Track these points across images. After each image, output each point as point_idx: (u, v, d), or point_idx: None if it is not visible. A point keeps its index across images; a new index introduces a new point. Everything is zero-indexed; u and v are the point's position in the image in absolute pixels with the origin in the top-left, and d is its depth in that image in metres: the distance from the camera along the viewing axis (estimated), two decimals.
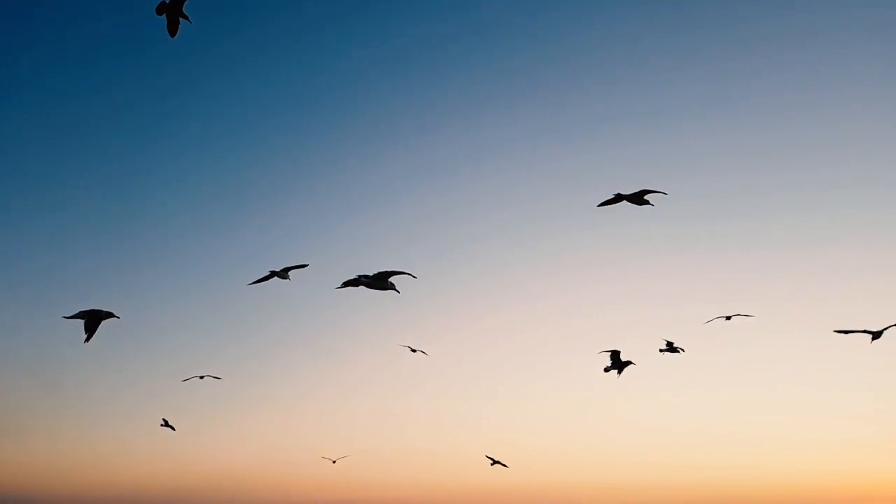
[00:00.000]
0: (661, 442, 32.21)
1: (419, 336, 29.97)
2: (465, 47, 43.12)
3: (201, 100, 43.94)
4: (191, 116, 43.86)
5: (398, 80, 43.56)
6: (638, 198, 10.31)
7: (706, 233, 37.94)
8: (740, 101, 40.22)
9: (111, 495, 29.95)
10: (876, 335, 10.58)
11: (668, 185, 10.16)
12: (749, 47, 40.12)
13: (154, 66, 42.09)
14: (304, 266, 10.56)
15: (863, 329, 10.69)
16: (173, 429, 19.15)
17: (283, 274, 10.66)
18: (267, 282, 10.79)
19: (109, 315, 9.57)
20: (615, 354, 12.94)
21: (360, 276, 9.14)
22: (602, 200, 10.60)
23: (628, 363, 12.92)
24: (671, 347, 13.86)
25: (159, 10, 8.23)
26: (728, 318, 14.50)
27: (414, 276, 9.09)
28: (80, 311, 9.47)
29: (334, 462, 23.42)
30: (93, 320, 9.49)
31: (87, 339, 9.56)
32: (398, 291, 9.36)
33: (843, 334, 10.90)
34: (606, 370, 13.02)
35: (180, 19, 8.32)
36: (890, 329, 10.65)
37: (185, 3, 8.22)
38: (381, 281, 9.14)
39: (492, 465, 18.89)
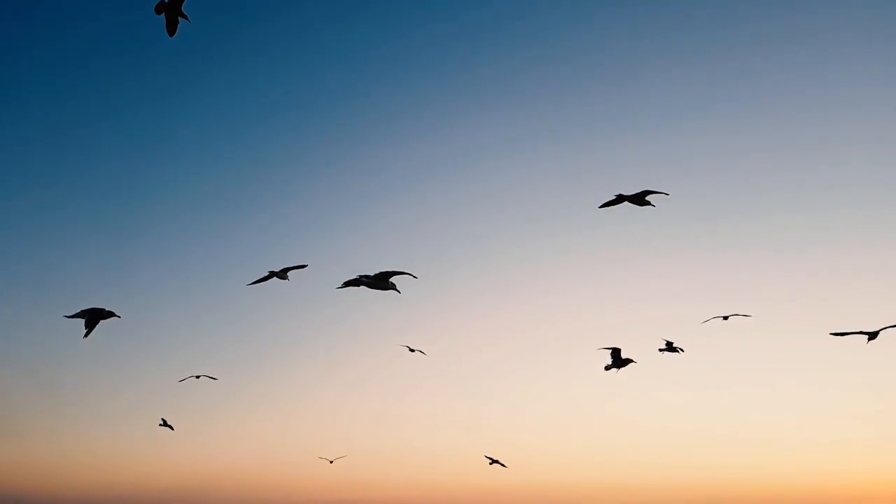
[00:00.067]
0: (661, 442, 32.26)
1: (419, 336, 29.95)
2: (466, 48, 43.20)
3: (201, 100, 43.98)
4: (190, 116, 43.91)
5: (398, 80, 43.64)
6: (639, 198, 10.27)
7: (706, 233, 38.01)
8: (740, 102, 40.29)
9: (111, 495, 29.95)
10: (872, 336, 10.57)
11: (667, 186, 10.16)
12: (748, 48, 40.18)
13: (154, 66, 42.13)
14: (303, 266, 10.55)
15: (858, 330, 10.67)
16: (172, 428, 19.20)
17: (283, 274, 10.65)
18: (266, 282, 10.78)
19: (111, 314, 9.58)
20: (615, 352, 12.91)
21: (361, 276, 9.14)
22: (604, 202, 10.57)
23: (629, 361, 12.90)
24: (670, 347, 13.86)
25: (158, 10, 8.19)
26: (725, 318, 14.55)
27: (415, 277, 9.09)
28: (82, 310, 9.47)
29: (331, 462, 23.40)
30: (94, 319, 9.49)
31: (86, 335, 9.57)
32: (399, 291, 9.37)
33: (839, 336, 10.88)
34: (607, 368, 12.99)
35: (179, 19, 8.27)
36: (887, 329, 10.63)
37: (184, 2, 8.18)
38: (381, 281, 9.14)
39: (490, 464, 18.88)
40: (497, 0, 42.15)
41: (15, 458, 31.25)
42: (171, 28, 8.32)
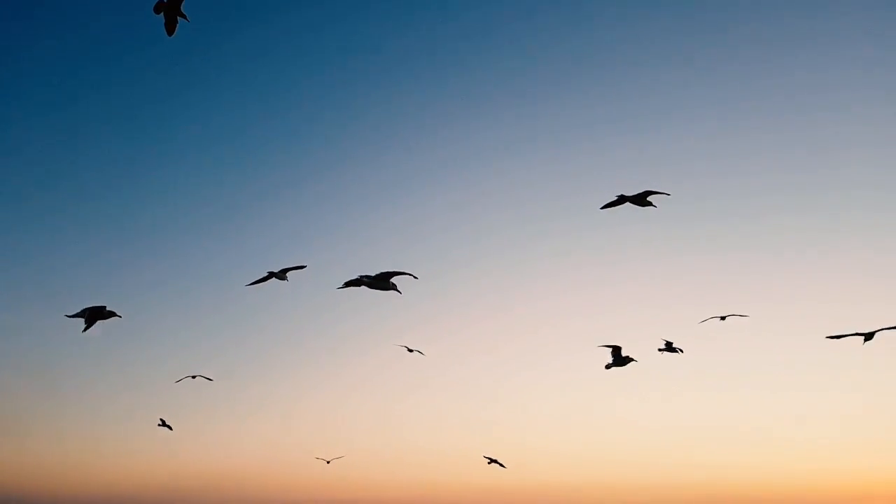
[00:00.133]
0: (661, 442, 32.27)
1: (419, 336, 29.94)
2: (466, 49, 43.17)
3: (201, 101, 43.94)
4: (191, 117, 43.89)
5: (398, 82, 43.60)
6: (641, 199, 10.22)
7: (706, 235, 38.04)
8: (740, 104, 40.33)
9: (111, 495, 29.92)
10: (868, 336, 10.56)
11: (668, 187, 10.14)
12: (746, 50, 40.19)
13: (154, 66, 42.10)
14: (302, 267, 10.53)
15: (854, 332, 10.66)
16: (170, 428, 19.19)
17: (282, 275, 10.63)
18: (265, 283, 10.75)
19: (112, 314, 9.56)
20: (616, 350, 12.87)
21: (361, 277, 9.13)
22: (605, 203, 10.52)
23: (629, 360, 12.87)
24: (670, 348, 13.83)
25: (157, 9, 8.15)
26: (723, 318, 14.59)
27: (415, 277, 9.07)
28: (83, 309, 9.44)
29: (328, 462, 23.35)
30: (95, 317, 9.47)
31: (85, 330, 9.55)
32: (400, 292, 9.36)
33: (835, 339, 10.86)
34: (608, 367, 12.96)
35: (178, 18, 8.23)
36: (883, 331, 10.61)
37: (183, 2, 8.14)
38: (382, 281, 9.13)
39: (489, 463, 18.83)
40: (497, 2, 42.15)
41: (16, 458, 31.25)
42: (170, 28, 8.28)
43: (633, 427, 32.78)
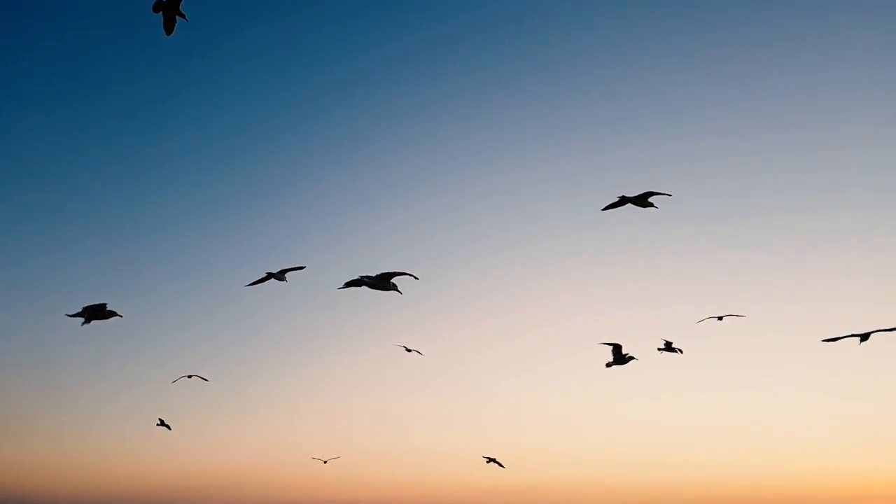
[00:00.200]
0: (661, 442, 32.27)
1: (418, 336, 29.83)
2: (466, 48, 43.08)
3: (201, 100, 43.84)
4: (191, 117, 43.80)
5: (398, 82, 43.53)
6: (642, 200, 10.18)
7: (706, 234, 38.02)
8: (741, 105, 40.32)
9: (111, 495, 29.86)
10: (863, 337, 10.54)
11: (667, 187, 10.11)
12: (746, 50, 40.18)
13: (154, 66, 42.03)
14: (301, 268, 10.55)
15: (850, 334, 10.65)
16: (169, 428, 19.23)
17: (280, 276, 10.63)
18: (264, 284, 10.75)
19: (113, 314, 9.55)
20: (617, 349, 12.86)
21: (362, 277, 9.13)
22: (606, 204, 10.47)
23: (630, 358, 12.85)
24: (669, 348, 13.82)
25: (156, 8, 8.11)
26: (720, 318, 14.63)
27: (416, 278, 9.06)
28: (84, 308, 9.42)
29: (325, 462, 23.34)
30: (95, 316, 9.46)
31: (84, 324, 9.53)
32: (400, 292, 9.36)
33: (831, 342, 10.85)
34: (608, 365, 12.95)
35: (177, 18, 8.19)
36: (879, 332, 10.59)
37: (182, 1, 8.10)
38: (383, 282, 9.13)
39: (487, 462, 18.81)
40: (497, 1, 42.10)
41: (16, 458, 31.20)
42: (169, 27, 8.25)
43: (633, 427, 32.81)
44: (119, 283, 37.13)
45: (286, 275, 10.62)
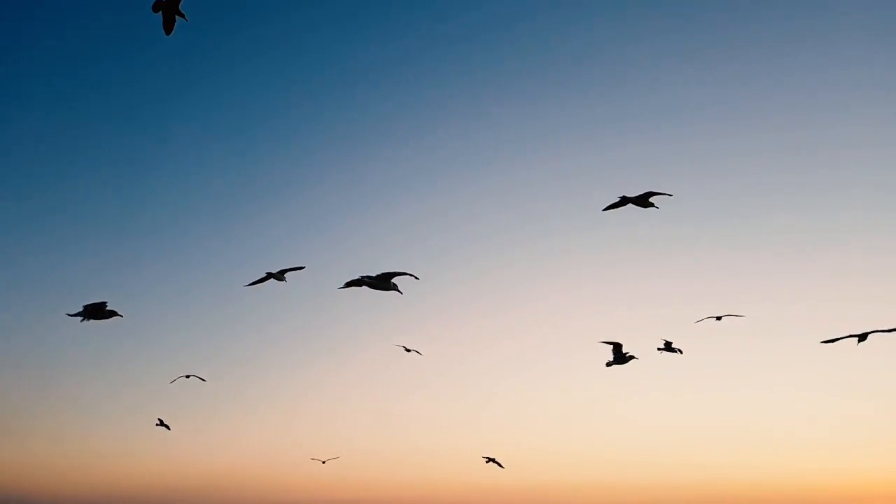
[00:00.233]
0: (661, 442, 32.27)
1: (418, 336, 29.82)
2: (466, 48, 43.12)
3: (201, 100, 43.87)
4: (190, 117, 43.83)
5: (398, 81, 43.56)
6: (643, 200, 10.16)
7: (706, 234, 38.04)
8: (741, 105, 40.35)
9: (110, 495, 29.87)
10: (861, 338, 10.53)
11: (667, 187, 10.09)
12: (747, 49, 40.17)
13: (154, 66, 42.06)
14: (300, 268, 10.58)
15: (847, 334, 10.64)
16: (168, 428, 19.22)
17: (280, 276, 10.65)
18: (263, 284, 10.76)
19: (113, 313, 9.55)
20: (617, 348, 12.84)
21: (363, 277, 9.13)
22: (607, 205, 10.44)
23: (631, 357, 12.84)
24: (669, 348, 13.81)
25: (155, 8, 8.09)
26: (718, 318, 14.63)
27: (416, 278, 9.05)
28: (84, 306, 9.41)
29: (324, 463, 23.33)
30: (95, 314, 9.45)
31: (82, 321, 9.51)
32: (401, 292, 9.36)
33: (830, 343, 10.84)
34: (609, 364, 12.94)
35: (176, 17, 8.16)
36: (876, 333, 10.57)
37: (182, 1, 8.07)
38: (384, 282, 9.13)
39: (486, 462, 18.79)
40: (497, 1, 42.08)
41: (15, 458, 31.19)
42: (168, 27, 8.22)
43: (633, 427, 32.84)
44: (119, 283, 37.19)
45: (286, 275, 10.63)
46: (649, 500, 30.24)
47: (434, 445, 33.25)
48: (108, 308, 9.47)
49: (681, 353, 13.85)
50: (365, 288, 9.29)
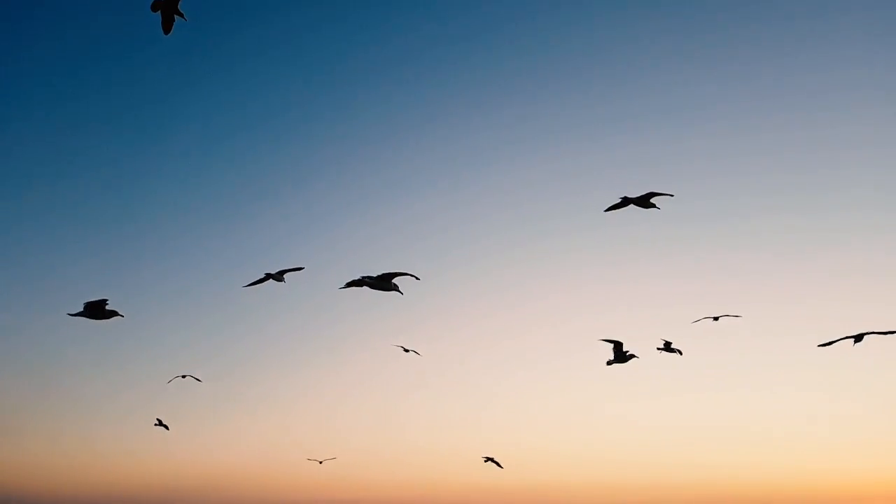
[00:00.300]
0: (661, 442, 32.27)
1: (417, 336, 29.77)
2: (466, 48, 43.05)
3: (201, 100, 43.79)
4: (190, 117, 43.74)
5: (398, 81, 43.49)
6: (644, 200, 10.14)
7: (706, 234, 38.05)
8: (741, 105, 40.31)
9: (110, 495, 29.83)
10: (857, 338, 10.52)
11: (667, 187, 10.08)
12: (747, 49, 40.17)
13: (154, 66, 41.95)
14: (299, 269, 10.62)
15: (843, 336, 10.64)
16: (167, 428, 19.18)
17: (279, 277, 10.68)
18: (262, 284, 10.78)
19: (114, 313, 9.54)
20: (618, 346, 12.83)
21: (364, 277, 9.12)
22: (609, 205, 10.44)
23: (631, 356, 12.83)
24: (668, 348, 13.81)
25: (154, 7, 8.05)
26: (715, 318, 14.63)
27: (417, 278, 9.03)
28: (85, 304, 9.40)
29: (321, 463, 23.33)
30: (96, 312, 9.43)
31: (80, 315, 9.51)
32: (401, 293, 9.36)
33: (827, 346, 10.82)
34: (609, 363, 12.94)
35: (175, 17, 8.13)
36: (872, 334, 10.57)
37: (181, 1, 8.04)
38: (384, 282, 9.12)
39: (485, 461, 18.77)
40: (497, 2, 42.05)
41: (15, 458, 31.16)
42: (167, 26, 8.18)
43: (633, 427, 32.81)
44: (118, 283, 37.14)
45: (284, 276, 10.65)
46: (649, 500, 30.26)
47: (433, 445, 33.26)
48: (108, 308, 9.46)
49: (680, 353, 13.85)
50: (366, 288, 9.29)
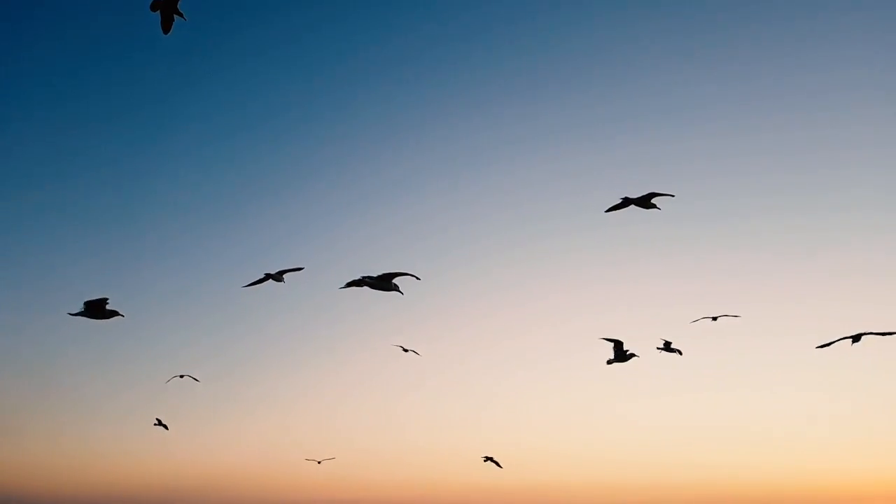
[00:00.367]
0: (661, 442, 32.26)
1: (416, 336, 29.78)
2: (466, 47, 43.05)
3: (201, 100, 43.79)
4: (190, 117, 43.73)
5: (398, 81, 43.48)
6: (645, 201, 10.13)
7: (707, 234, 38.04)
8: (741, 105, 40.30)
9: (109, 495, 29.81)
10: (855, 339, 10.53)
11: (668, 187, 10.07)
12: (747, 48, 40.16)
13: (153, 66, 41.94)
14: (298, 269, 10.63)
15: (841, 337, 10.64)
16: (166, 428, 19.20)
17: (278, 277, 10.70)
18: (262, 284, 10.79)
19: (114, 313, 9.54)
20: (618, 345, 12.83)
21: (364, 277, 9.11)
22: (609, 206, 10.43)
23: (632, 355, 12.83)
24: (668, 348, 13.80)
25: (154, 7, 8.04)
26: (714, 318, 14.63)
27: (417, 278, 9.02)
28: (85, 303, 9.39)
29: (319, 463, 23.34)
30: (96, 312, 9.43)
31: (79, 315, 9.50)
32: (402, 293, 9.35)
33: (825, 347, 10.82)
34: (609, 362, 12.93)
35: (175, 16, 8.12)
36: (869, 335, 10.56)
37: (180, 0, 8.03)
38: (385, 282, 9.11)
39: (484, 461, 18.77)
40: (497, 2, 42.04)
41: (14, 457, 31.15)
42: (166, 26, 8.17)
43: (633, 427, 32.82)
44: (118, 283, 37.16)
45: (284, 276, 10.66)
46: (649, 500, 30.25)
47: (433, 445, 33.25)
48: (108, 307, 9.46)
49: (680, 353, 13.84)
50: (366, 288, 9.29)
